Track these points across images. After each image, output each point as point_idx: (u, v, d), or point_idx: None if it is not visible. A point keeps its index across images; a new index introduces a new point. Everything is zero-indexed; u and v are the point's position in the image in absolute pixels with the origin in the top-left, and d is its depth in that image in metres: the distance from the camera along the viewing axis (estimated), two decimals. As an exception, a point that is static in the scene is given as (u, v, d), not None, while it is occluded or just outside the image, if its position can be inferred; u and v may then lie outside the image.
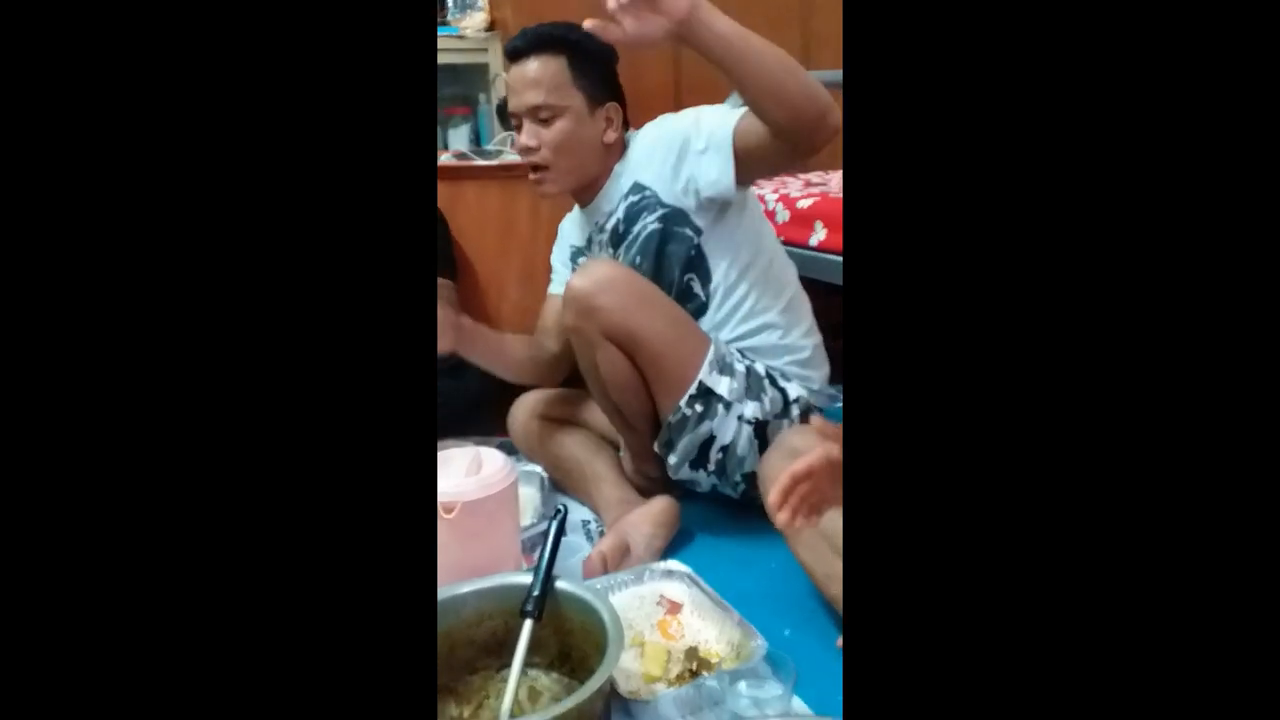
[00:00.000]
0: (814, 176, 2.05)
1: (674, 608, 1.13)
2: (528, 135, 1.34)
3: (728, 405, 1.29)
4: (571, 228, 1.55)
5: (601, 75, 1.35)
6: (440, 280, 1.79)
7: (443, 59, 2.33)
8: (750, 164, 1.23)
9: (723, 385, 1.28)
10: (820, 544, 1.07)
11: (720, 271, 1.34)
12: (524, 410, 1.60)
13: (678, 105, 2.51)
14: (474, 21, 2.39)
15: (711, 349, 1.29)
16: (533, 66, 1.31)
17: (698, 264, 1.34)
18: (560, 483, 1.55)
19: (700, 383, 1.28)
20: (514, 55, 1.34)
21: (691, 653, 1.03)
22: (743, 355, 1.35)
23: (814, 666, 0.99)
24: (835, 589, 1.05)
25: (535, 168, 1.36)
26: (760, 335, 1.36)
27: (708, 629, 1.08)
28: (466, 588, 1.00)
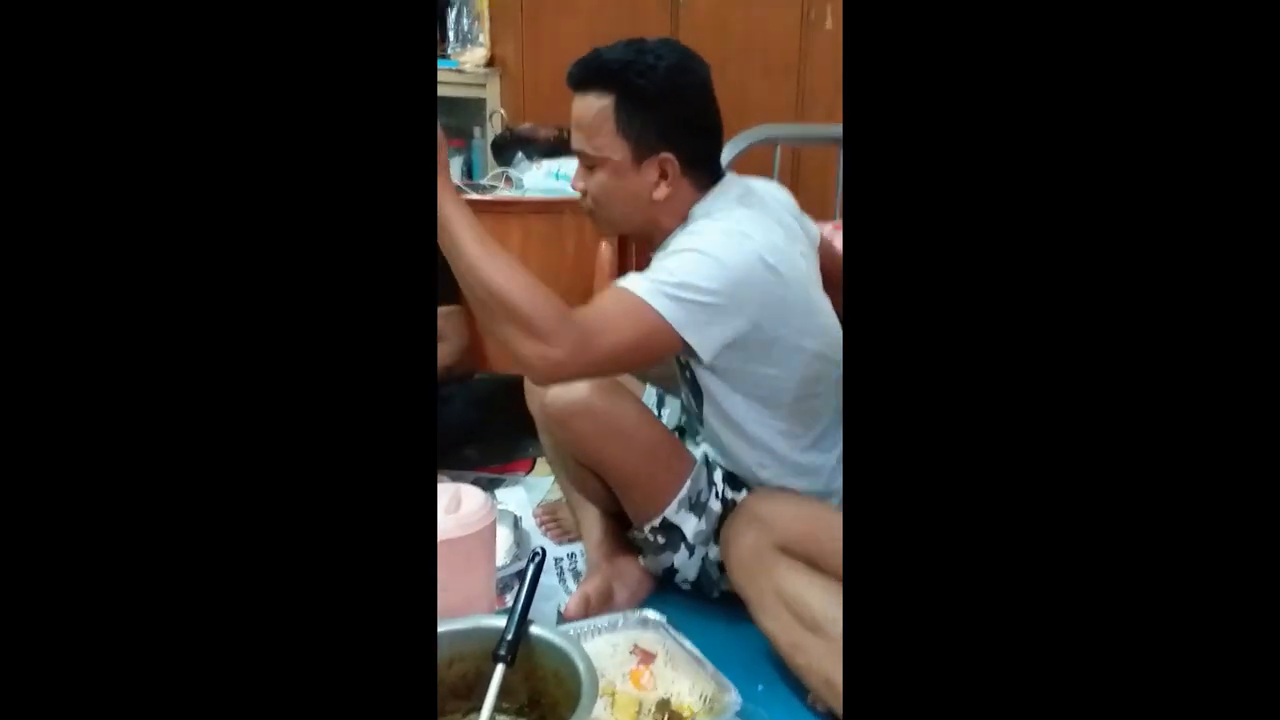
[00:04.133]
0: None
1: (647, 658, 1.11)
2: (578, 176, 1.19)
3: (691, 548, 1.24)
4: None
5: (657, 120, 1.11)
6: (450, 308, 1.79)
7: (440, 91, 2.35)
8: None
9: (689, 525, 1.22)
10: (784, 613, 1.06)
11: (710, 408, 1.19)
12: None
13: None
14: (474, 56, 2.42)
15: (687, 484, 1.21)
16: (582, 104, 1.13)
17: (690, 380, 1.21)
18: (545, 445, 1.44)
19: (664, 518, 1.22)
20: (572, 85, 1.16)
21: (663, 705, 1.02)
22: (733, 485, 1.24)
23: (786, 724, 0.98)
24: (800, 659, 1.05)
25: (588, 210, 1.22)
26: (768, 471, 1.23)
27: (681, 681, 1.07)
28: (439, 628, 0.98)
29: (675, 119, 1.13)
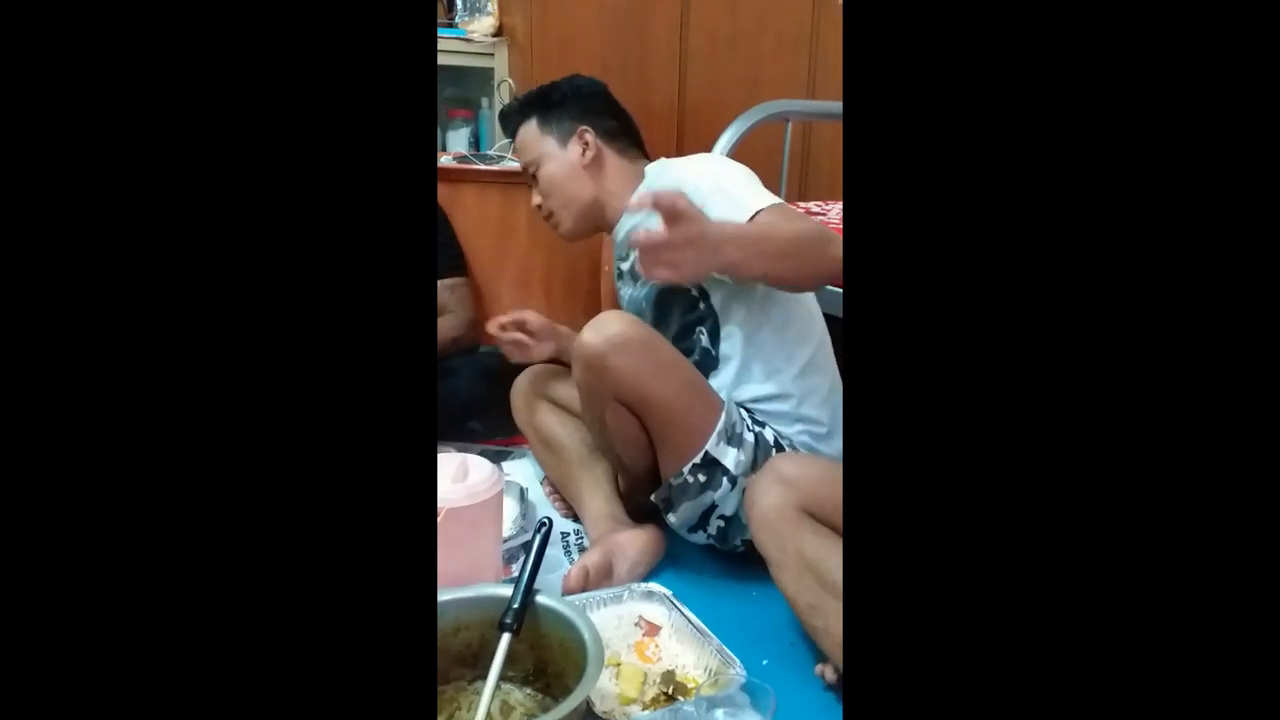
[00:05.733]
0: (814, 205, 2.06)
1: (652, 630, 1.12)
2: (533, 196, 1.45)
3: (733, 480, 1.24)
4: (614, 248, 1.54)
5: (569, 112, 1.41)
6: (456, 280, 1.79)
7: (447, 60, 2.33)
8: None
9: (729, 457, 1.23)
10: (805, 574, 1.06)
11: (731, 329, 1.29)
12: (528, 382, 1.57)
13: (680, 124, 2.54)
14: (482, 25, 2.39)
15: (722, 417, 1.24)
16: (517, 138, 1.46)
17: (706, 317, 1.30)
18: (544, 465, 1.54)
19: (706, 452, 1.23)
20: (510, 136, 1.48)
21: (668, 676, 1.02)
22: (754, 419, 1.29)
23: (791, 698, 0.98)
24: (817, 620, 1.04)
25: (547, 219, 1.46)
26: (772, 403, 1.29)
27: (685, 654, 1.08)
28: (445, 596, 0.98)
29: (582, 107, 1.42)
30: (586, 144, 1.40)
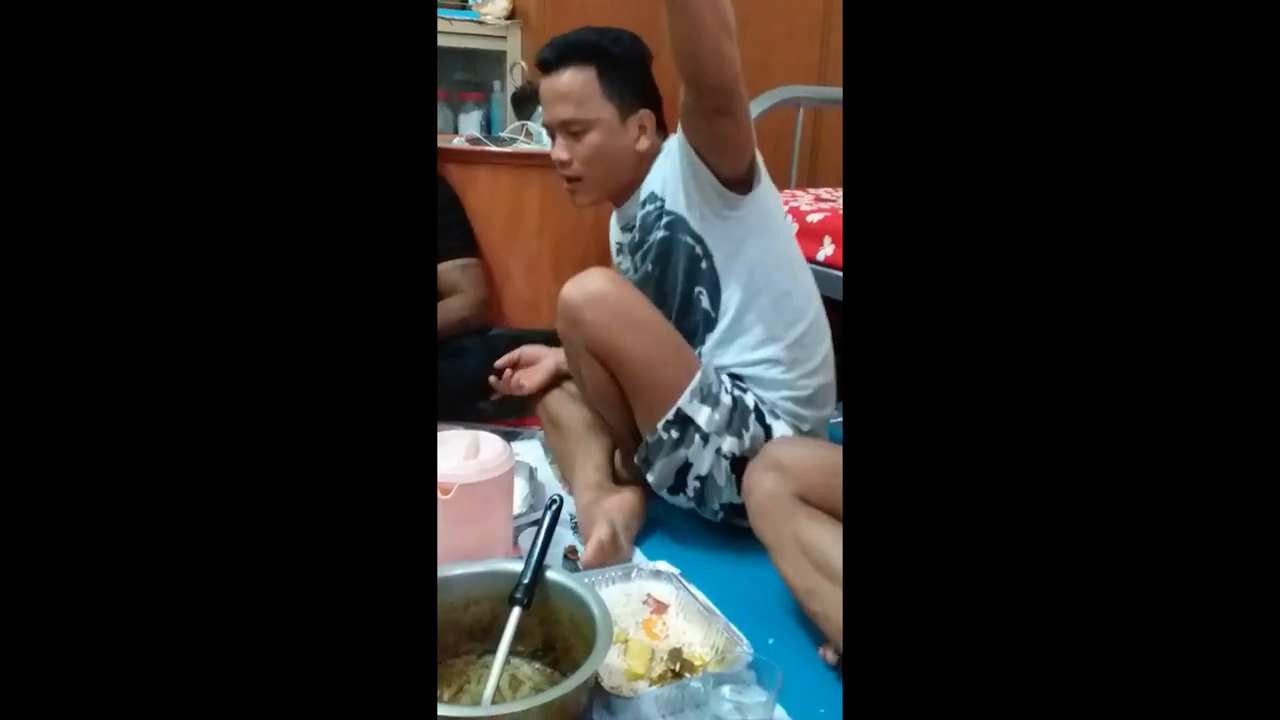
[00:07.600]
0: (824, 192, 2.06)
1: (660, 608, 1.13)
2: (560, 148, 1.33)
3: (705, 437, 1.26)
4: (615, 223, 1.53)
5: (632, 83, 1.31)
6: (467, 260, 1.79)
7: (460, 43, 2.33)
8: (688, 123, 1.21)
9: (702, 415, 1.26)
10: (802, 559, 1.07)
11: (730, 293, 1.30)
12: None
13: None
14: (495, 8, 2.38)
15: (698, 376, 1.27)
16: (563, 79, 1.29)
17: (707, 278, 1.31)
18: (550, 444, 1.59)
19: (678, 409, 1.26)
20: (544, 67, 1.32)
21: (675, 654, 1.03)
22: (737, 383, 1.32)
23: (796, 677, 0.99)
24: (815, 605, 1.06)
25: (569, 179, 1.36)
26: (760, 367, 1.32)
27: (692, 631, 1.09)
28: (456, 570, 1.00)
29: (644, 82, 1.33)
30: (644, 129, 1.32)
